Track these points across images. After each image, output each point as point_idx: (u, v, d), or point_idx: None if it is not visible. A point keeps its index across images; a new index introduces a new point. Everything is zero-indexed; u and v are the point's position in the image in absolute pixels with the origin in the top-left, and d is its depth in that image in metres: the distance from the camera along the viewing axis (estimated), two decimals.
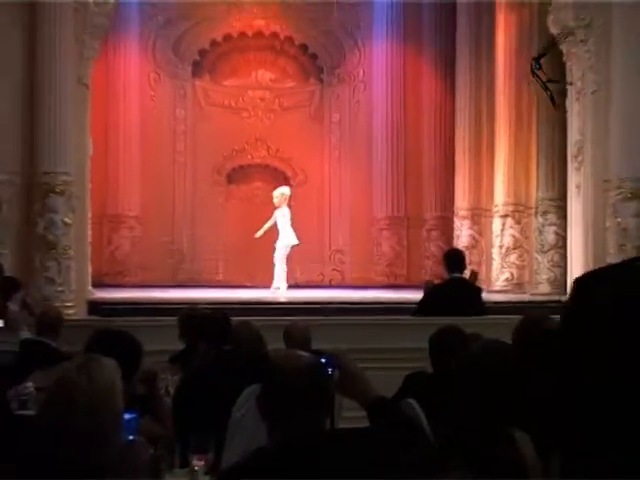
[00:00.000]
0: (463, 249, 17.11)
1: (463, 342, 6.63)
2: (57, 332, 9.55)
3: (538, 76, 17.66)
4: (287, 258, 17.26)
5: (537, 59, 17.61)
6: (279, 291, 16.95)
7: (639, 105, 14.99)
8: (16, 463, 4.14)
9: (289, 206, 17.43)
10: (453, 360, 5.05)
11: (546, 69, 17.50)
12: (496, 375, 4.79)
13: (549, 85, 17.55)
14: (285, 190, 17.62)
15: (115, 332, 6.31)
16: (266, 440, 5.06)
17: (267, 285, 17.62)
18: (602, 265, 7.50)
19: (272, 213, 18.11)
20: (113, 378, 4.01)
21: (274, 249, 17.12)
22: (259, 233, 17.34)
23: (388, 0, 20.17)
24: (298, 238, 17.23)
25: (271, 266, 18.08)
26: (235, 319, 8.40)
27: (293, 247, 17.30)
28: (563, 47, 15.95)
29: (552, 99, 17.55)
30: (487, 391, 4.67)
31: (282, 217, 17.25)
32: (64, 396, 3.96)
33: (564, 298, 15.62)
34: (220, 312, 8.76)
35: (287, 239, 17.21)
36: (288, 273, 17.94)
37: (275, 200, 17.39)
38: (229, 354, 7.95)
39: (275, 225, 17.29)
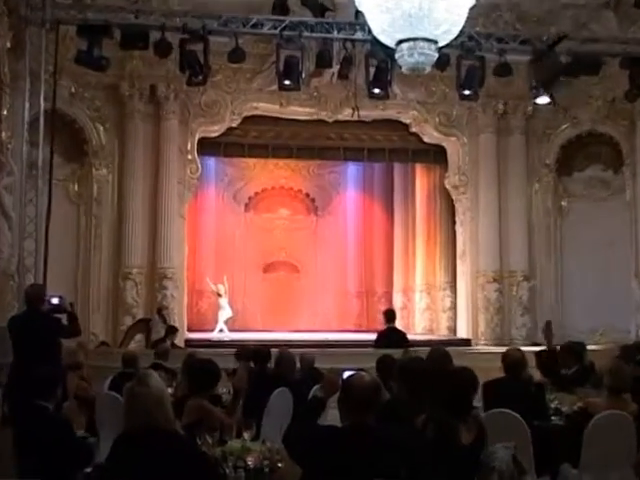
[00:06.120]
0: (397, 310, 17.27)
1: (392, 363, 6.71)
2: (167, 357, 9.60)
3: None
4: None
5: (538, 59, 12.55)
6: (221, 333, 16.84)
7: (495, 230, 15.18)
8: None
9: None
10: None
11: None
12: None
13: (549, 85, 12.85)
14: (221, 286, 17.58)
15: (201, 359, 6.33)
16: (290, 422, 5.06)
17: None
18: (476, 319, 7.68)
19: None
20: (161, 384, 4.07)
21: (219, 316, 17.21)
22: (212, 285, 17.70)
23: (354, 169, 20.29)
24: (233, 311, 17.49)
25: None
26: (274, 350, 8.28)
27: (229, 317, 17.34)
28: (453, 196, 16.06)
29: (552, 98, 13.34)
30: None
31: (224, 300, 17.32)
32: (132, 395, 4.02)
33: (455, 338, 15.73)
34: (265, 347, 8.75)
35: (227, 313, 17.24)
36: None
37: (222, 290, 17.42)
38: (264, 371, 8.00)
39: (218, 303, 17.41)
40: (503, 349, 8.73)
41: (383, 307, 18.42)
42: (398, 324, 13.94)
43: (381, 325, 13.66)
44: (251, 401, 7.04)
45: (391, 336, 11.23)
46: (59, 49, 11.69)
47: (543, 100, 13.08)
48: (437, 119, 15.43)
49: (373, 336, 11.89)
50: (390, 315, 11.82)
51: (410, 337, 14.68)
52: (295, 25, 12.11)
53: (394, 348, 9.54)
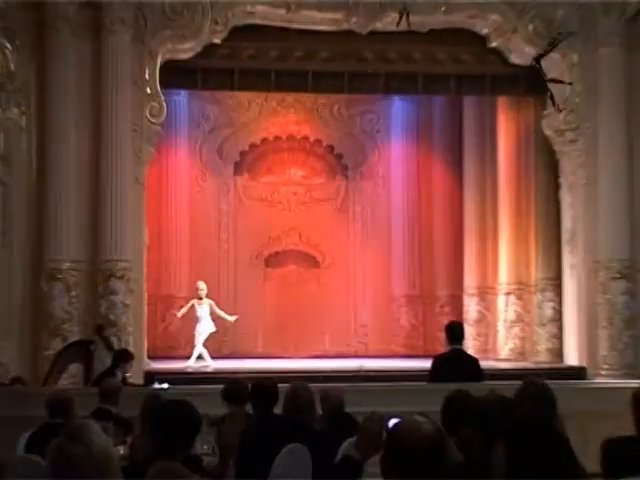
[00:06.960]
0: (471, 322, 17.21)
1: (466, 404, 6.56)
2: (117, 399, 9.57)
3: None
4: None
5: (538, 59, 15.90)
6: (200, 361, 16.81)
7: (623, 196, 15.04)
8: None
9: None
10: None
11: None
12: None
13: (549, 85, 15.91)
14: (204, 285, 17.47)
15: (170, 401, 6.23)
16: None
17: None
18: (594, 337, 7.65)
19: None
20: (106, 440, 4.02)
21: (196, 334, 17.02)
22: (181, 313, 17.59)
23: (402, 108, 20.25)
24: (215, 325, 17.31)
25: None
26: (282, 385, 8.13)
27: (212, 333, 17.21)
28: (556, 147, 15.93)
29: (552, 99, 15.86)
30: None
31: (205, 307, 17.21)
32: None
33: (562, 366, 15.67)
34: (270, 380, 8.64)
35: (208, 327, 17.12)
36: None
37: (202, 292, 17.33)
38: (269, 419, 7.89)
39: (195, 312, 17.21)
40: (637, 383, 8.55)
41: (447, 319, 18.39)
42: (471, 344, 13.79)
43: (443, 346, 13.57)
44: (248, 463, 7.00)
45: (454, 362, 11.02)
46: None
47: None
48: (531, 26, 15.39)
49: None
50: (455, 331, 11.38)
51: (490, 365, 14.67)
52: None
53: (458, 381, 9.46)
